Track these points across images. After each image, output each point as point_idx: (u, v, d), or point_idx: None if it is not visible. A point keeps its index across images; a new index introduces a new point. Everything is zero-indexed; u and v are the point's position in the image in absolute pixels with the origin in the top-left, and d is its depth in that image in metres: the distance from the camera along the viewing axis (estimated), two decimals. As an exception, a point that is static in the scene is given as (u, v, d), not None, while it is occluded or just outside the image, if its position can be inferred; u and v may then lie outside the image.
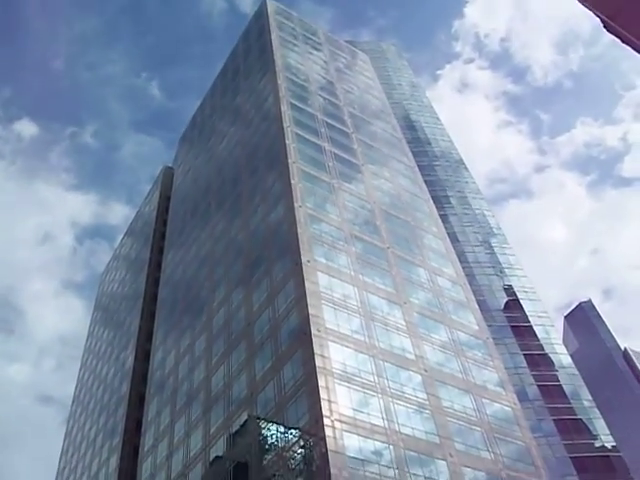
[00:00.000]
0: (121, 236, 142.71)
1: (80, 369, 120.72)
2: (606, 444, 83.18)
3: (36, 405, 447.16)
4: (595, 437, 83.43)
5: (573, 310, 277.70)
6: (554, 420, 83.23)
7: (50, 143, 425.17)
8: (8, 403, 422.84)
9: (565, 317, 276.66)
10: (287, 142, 66.91)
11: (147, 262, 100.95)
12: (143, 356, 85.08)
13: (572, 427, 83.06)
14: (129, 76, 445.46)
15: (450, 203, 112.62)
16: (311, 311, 47.79)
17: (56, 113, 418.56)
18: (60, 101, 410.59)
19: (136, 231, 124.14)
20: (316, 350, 44.94)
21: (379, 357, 48.91)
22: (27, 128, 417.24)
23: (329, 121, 78.80)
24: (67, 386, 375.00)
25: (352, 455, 40.52)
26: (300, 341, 47.17)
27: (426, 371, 50.99)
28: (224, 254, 70.75)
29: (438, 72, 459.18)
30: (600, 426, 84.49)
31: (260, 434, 49.07)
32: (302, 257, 52.51)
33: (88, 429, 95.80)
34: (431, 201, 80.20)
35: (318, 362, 44.15)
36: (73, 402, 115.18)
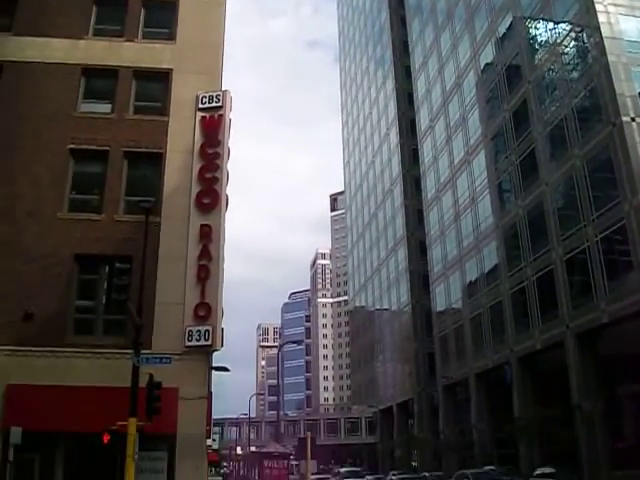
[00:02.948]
0: None
1: (337, 6, 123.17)
2: None
3: (306, 52, 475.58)
4: None
5: None
6: None
7: None
8: (281, 55, 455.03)
9: None
10: None
11: None
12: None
13: None
14: None
15: None
16: None
17: None
18: None
19: None
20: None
21: None
22: None
23: None
24: (328, 27, 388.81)
25: (631, 39, 38.50)
26: None
27: None
28: None
29: None
30: None
31: (528, 33, 48.28)
32: None
33: (359, 60, 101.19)
34: None
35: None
36: (339, 37, 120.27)
